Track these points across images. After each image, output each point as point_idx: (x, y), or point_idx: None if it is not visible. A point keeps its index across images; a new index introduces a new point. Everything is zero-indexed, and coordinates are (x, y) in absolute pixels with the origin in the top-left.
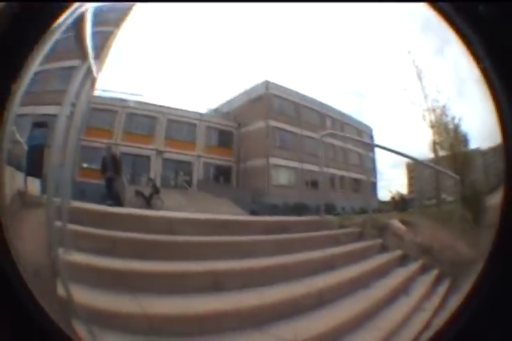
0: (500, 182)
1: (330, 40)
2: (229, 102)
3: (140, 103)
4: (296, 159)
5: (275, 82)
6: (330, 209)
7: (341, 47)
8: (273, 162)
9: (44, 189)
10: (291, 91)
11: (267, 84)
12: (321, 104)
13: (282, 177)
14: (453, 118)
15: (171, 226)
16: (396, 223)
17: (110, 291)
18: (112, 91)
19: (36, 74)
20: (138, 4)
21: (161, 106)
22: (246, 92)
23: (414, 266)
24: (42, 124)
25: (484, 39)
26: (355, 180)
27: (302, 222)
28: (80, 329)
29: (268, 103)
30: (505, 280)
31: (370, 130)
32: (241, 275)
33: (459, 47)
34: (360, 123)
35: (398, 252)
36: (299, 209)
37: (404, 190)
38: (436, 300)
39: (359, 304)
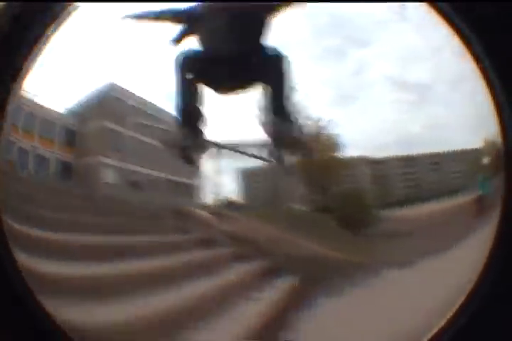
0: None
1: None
2: (79, 102)
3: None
4: (125, 160)
5: (119, 84)
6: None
7: None
8: (103, 161)
9: None
10: (134, 94)
11: (110, 86)
12: (159, 110)
13: (110, 176)
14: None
15: None
16: (201, 212)
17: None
18: None
19: None
20: None
21: (39, 105)
22: (92, 93)
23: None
24: None
25: (484, 39)
26: (179, 182)
27: None
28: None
29: (108, 105)
30: (504, 280)
31: None
32: None
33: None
34: None
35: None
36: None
37: (234, 195)
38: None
39: None
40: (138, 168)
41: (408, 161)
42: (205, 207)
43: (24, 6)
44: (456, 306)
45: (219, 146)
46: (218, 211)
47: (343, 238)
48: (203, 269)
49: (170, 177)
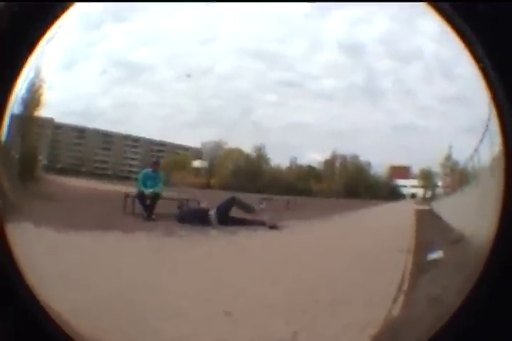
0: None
1: None
2: None
3: None
4: None
5: None
6: None
7: None
8: None
9: None
10: None
11: None
12: None
13: None
14: None
15: None
16: None
17: None
18: None
19: None
20: None
21: None
22: None
23: None
24: None
25: (484, 39)
26: None
27: None
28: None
29: None
30: (503, 283)
31: None
32: None
33: None
34: None
35: None
36: None
37: None
38: None
39: None
40: None
41: (80, 133)
42: None
43: (24, 5)
44: (455, 308)
45: None
46: None
47: None
48: None
49: None
